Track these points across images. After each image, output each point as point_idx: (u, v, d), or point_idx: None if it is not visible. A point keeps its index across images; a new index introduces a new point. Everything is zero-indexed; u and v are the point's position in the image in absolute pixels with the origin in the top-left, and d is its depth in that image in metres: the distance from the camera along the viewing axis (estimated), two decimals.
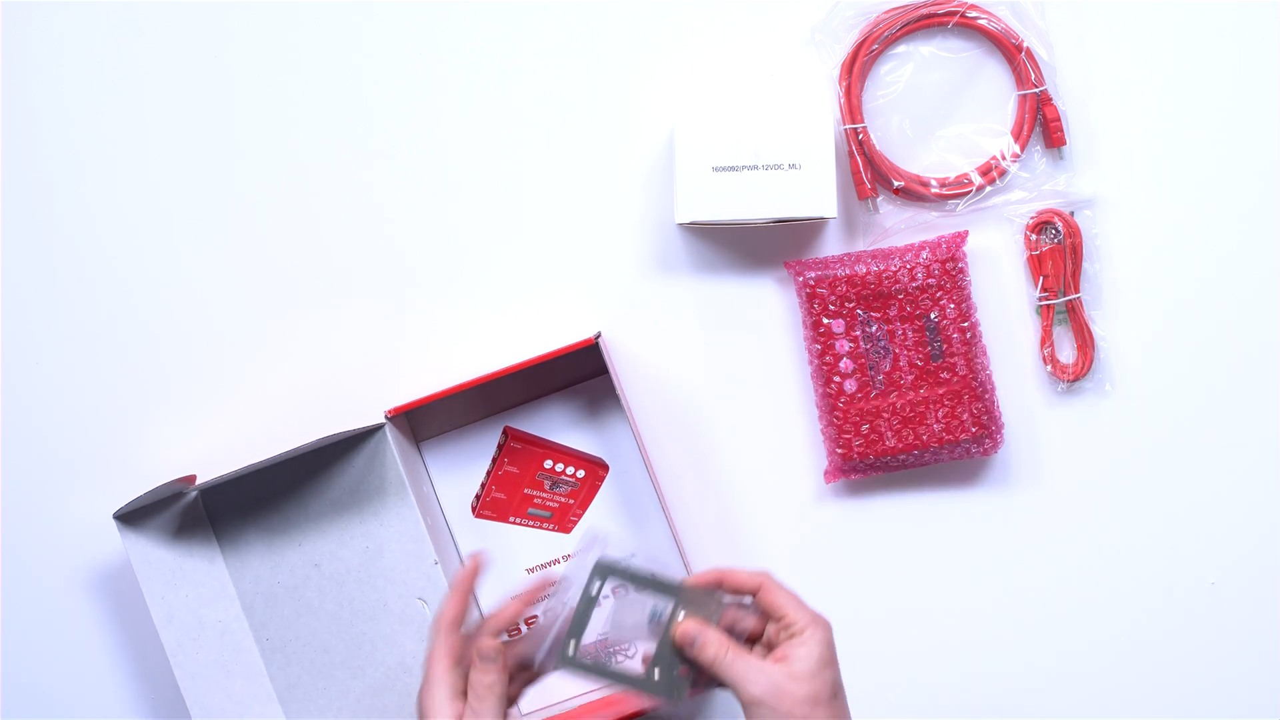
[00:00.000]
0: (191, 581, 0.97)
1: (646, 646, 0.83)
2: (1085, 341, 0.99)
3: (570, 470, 1.00)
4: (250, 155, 1.00)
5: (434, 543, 0.96)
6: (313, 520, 0.98)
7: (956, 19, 0.98)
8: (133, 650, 1.01)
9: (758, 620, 0.83)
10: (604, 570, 0.82)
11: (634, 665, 0.86)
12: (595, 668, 0.82)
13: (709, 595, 0.83)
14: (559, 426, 1.00)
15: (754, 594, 0.82)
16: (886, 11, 0.98)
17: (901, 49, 0.99)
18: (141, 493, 0.93)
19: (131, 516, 0.95)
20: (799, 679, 0.79)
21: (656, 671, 0.82)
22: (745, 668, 0.79)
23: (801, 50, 0.99)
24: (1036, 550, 1.00)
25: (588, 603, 0.82)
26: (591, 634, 0.82)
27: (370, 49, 1.00)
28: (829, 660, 0.80)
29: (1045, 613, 1.00)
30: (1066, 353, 1.00)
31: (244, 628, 0.98)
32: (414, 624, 0.97)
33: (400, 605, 0.97)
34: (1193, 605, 1.00)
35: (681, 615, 0.82)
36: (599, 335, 0.95)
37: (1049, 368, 0.99)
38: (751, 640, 0.83)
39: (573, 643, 0.82)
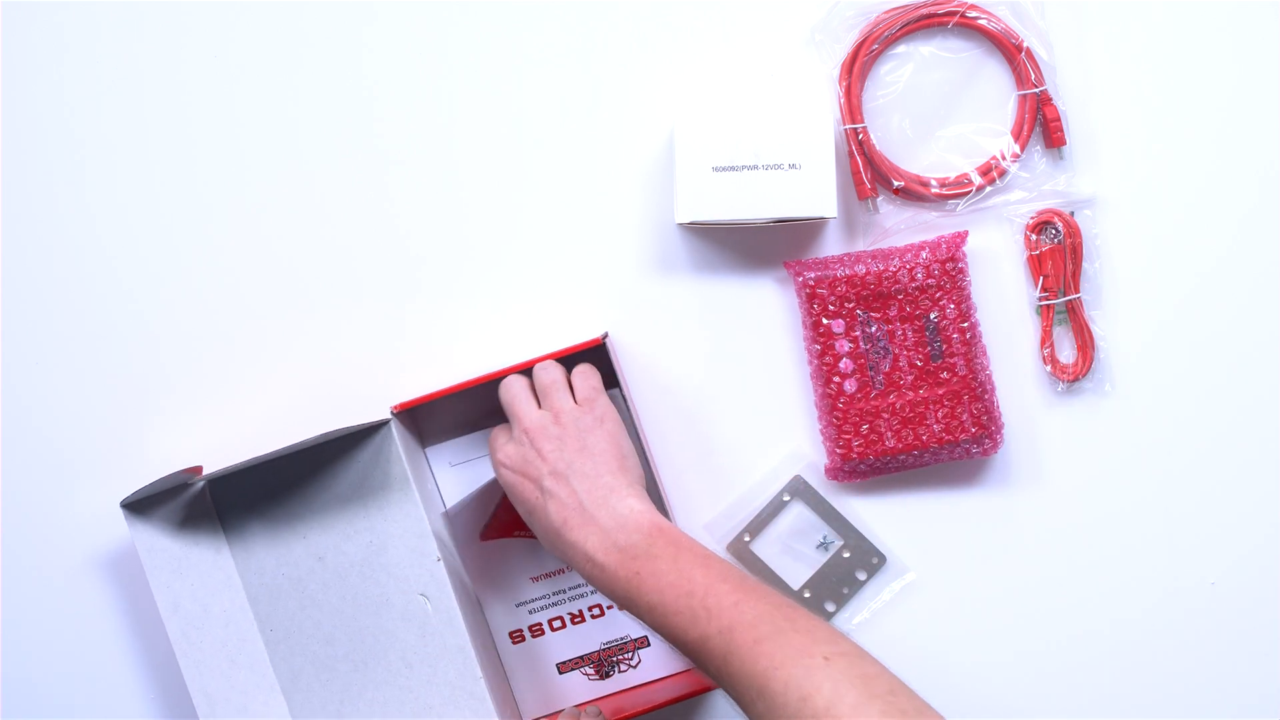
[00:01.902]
0: (197, 571, 0.97)
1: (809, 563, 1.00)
2: (1085, 341, 0.99)
3: None
4: (262, 151, 1.00)
5: (437, 540, 0.96)
6: (317, 513, 0.98)
7: (956, 19, 0.98)
8: (138, 639, 1.02)
9: None
10: (796, 488, 0.98)
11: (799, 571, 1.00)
12: (760, 565, 0.99)
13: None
14: None
15: None
16: (886, 11, 0.98)
17: (901, 49, 0.99)
18: (148, 482, 0.93)
19: (138, 505, 0.95)
20: None
21: (807, 593, 0.97)
22: None
23: (801, 50, 0.99)
24: (1036, 551, 1.00)
25: (775, 507, 0.99)
26: (772, 538, 0.99)
27: (374, 50, 1.00)
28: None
29: (1045, 613, 1.00)
30: (1066, 353, 1.00)
31: (248, 618, 0.99)
32: (416, 620, 0.97)
33: (403, 600, 0.97)
34: (1193, 605, 1.00)
35: (846, 554, 0.98)
36: (606, 336, 0.95)
37: (1049, 368, 0.99)
38: None
39: (748, 536, 0.99)
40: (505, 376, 0.94)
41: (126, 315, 1.01)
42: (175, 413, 1.01)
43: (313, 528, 0.99)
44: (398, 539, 0.98)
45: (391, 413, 0.96)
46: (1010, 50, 0.98)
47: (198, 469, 0.95)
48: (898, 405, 0.98)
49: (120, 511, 0.95)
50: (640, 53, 0.99)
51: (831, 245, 1.00)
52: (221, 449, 0.99)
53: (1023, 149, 0.98)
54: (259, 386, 1.01)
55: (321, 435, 0.95)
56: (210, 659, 0.96)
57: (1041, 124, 0.99)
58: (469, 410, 1.00)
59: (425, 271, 1.01)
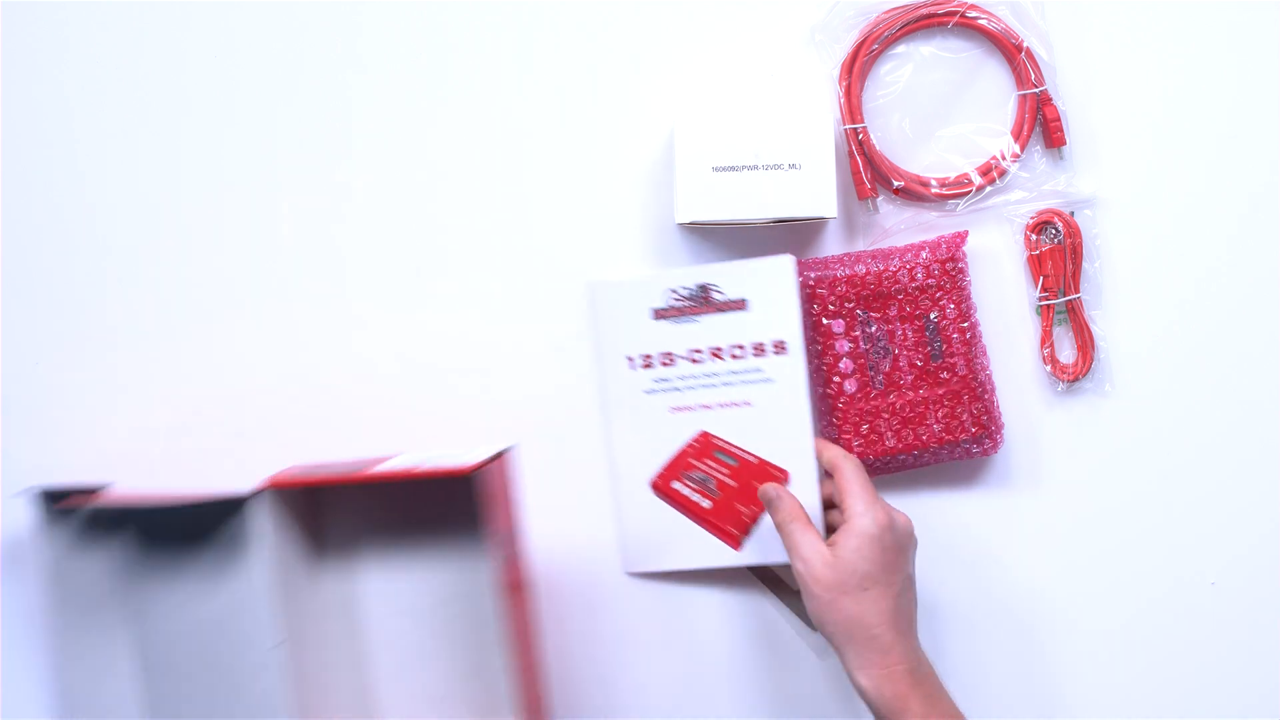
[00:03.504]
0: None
1: None
2: (1085, 341, 0.99)
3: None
4: (259, 149, 1.00)
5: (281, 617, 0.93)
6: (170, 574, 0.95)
7: (956, 19, 0.98)
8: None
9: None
10: None
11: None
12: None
13: None
14: None
15: (830, 473, 0.90)
16: (886, 11, 0.98)
17: (901, 49, 0.99)
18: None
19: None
20: (831, 565, 0.83)
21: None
22: (800, 540, 0.84)
23: (801, 50, 0.99)
24: (1036, 550, 1.01)
25: None
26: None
27: (373, 51, 1.00)
28: (869, 555, 0.82)
29: (1045, 613, 1.01)
30: (1066, 353, 1.00)
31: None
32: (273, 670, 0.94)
33: (260, 655, 0.94)
34: (1192, 605, 1.00)
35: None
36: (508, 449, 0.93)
37: (1049, 368, 0.99)
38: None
39: None
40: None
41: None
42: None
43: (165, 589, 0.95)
44: (245, 608, 0.94)
45: (263, 489, 0.91)
46: (1010, 50, 0.98)
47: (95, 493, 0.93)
48: (898, 405, 0.98)
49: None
50: (640, 53, 0.99)
51: (831, 245, 1.00)
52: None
53: (1023, 149, 0.98)
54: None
55: (197, 495, 0.92)
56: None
57: (1041, 124, 0.99)
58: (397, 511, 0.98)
59: (427, 269, 1.01)
